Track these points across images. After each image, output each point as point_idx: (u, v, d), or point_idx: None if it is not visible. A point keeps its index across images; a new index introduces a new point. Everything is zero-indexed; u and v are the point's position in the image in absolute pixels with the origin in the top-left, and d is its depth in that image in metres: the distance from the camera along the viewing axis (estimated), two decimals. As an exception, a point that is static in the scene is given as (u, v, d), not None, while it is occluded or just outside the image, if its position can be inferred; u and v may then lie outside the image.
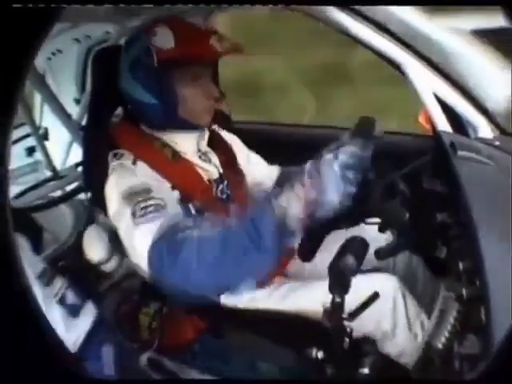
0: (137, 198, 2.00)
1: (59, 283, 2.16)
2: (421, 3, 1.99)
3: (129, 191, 2.02)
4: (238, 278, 1.87)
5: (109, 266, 2.61)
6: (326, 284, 1.69)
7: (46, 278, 2.13)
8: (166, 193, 2.10)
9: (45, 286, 2.11)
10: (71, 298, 2.17)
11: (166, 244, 1.86)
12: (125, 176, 2.10)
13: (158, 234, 1.91)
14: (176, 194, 2.17)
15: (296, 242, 1.89)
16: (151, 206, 1.98)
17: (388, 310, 2.10)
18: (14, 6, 1.16)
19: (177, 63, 2.12)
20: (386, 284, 2.09)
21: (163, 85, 2.15)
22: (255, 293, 2.28)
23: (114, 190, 2.09)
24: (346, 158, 1.62)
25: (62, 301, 2.13)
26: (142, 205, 1.98)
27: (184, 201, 2.18)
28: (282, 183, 2.30)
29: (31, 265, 2.12)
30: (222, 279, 1.86)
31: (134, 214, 1.98)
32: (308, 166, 1.68)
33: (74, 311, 2.15)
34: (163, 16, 2.26)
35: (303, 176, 1.67)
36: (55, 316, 2.09)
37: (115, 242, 2.37)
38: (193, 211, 2.20)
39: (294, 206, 1.66)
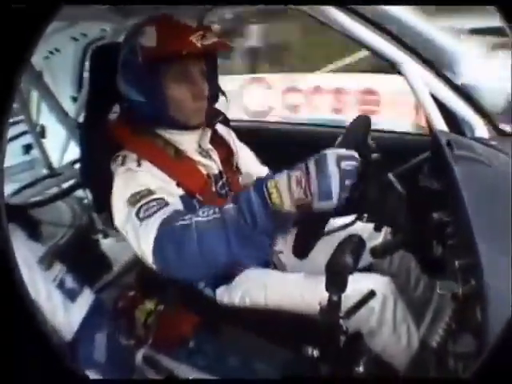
0: (140, 200, 2.02)
1: (58, 267, 2.18)
2: (416, 3, 2.00)
3: (132, 196, 2.05)
4: (244, 258, 1.99)
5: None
6: (321, 280, 1.69)
7: (47, 263, 2.15)
8: (168, 191, 2.12)
9: (45, 271, 2.13)
10: (70, 282, 2.19)
11: (167, 237, 1.91)
12: (129, 183, 2.11)
13: (159, 227, 1.93)
14: (180, 190, 2.20)
15: (289, 228, 1.93)
16: (153, 203, 2.01)
17: (377, 308, 2.09)
18: (12, 5, 1.16)
19: (163, 61, 2.13)
20: (378, 284, 2.08)
21: (151, 83, 2.16)
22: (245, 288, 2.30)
23: (119, 199, 2.11)
24: (349, 166, 1.67)
25: (61, 285, 2.15)
26: (145, 204, 2.01)
27: (187, 197, 2.21)
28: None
29: (31, 250, 2.14)
30: (226, 261, 1.89)
31: (138, 214, 2.00)
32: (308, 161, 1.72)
33: (71, 295, 2.17)
34: (155, 16, 2.26)
35: (303, 166, 1.71)
36: (55, 300, 2.12)
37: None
38: (197, 207, 2.20)
39: (293, 188, 1.70)
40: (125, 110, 2.36)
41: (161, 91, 2.17)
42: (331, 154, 1.67)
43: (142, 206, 2.00)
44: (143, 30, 2.16)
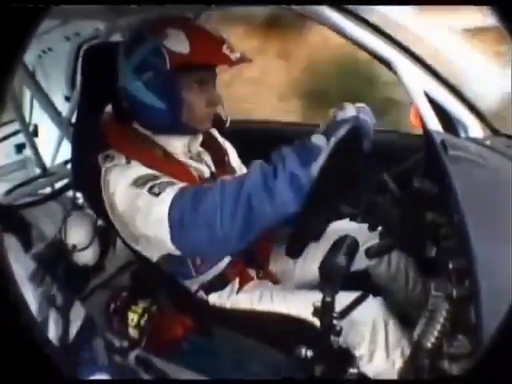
0: (148, 181, 1.96)
1: (49, 283, 2.16)
2: (409, 3, 1.99)
3: (138, 179, 1.98)
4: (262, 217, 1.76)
5: (84, 255, 2.64)
6: (314, 293, 1.69)
7: (38, 279, 2.13)
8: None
9: (36, 287, 2.11)
10: (60, 298, 2.17)
11: (187, 197, 1.85)
12: (125, 171, 2.06)
13: (179, 191, 1.88)
14: None
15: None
16: (164, 183, 1.95)
17: (367, 334, 2.09)
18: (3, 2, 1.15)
19: (187, 68, 2.09)
20: (368, 307, 2.07)
21: (172, 88, 2.12)
22: (239, 296, 2.31)
23: (119, 185, 2.03)
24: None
25: (52, 301, 2.13)
26: (157, 184, 1.93)
27: None
28: None
29: (23, 265, 2.13)
30: (239, 233, 1.77)
31: (151, 190, 1.92)
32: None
33: (63, 311, 2.16)
34: (173, 18, 2.22)
35: None
36: (46, 317, 2.10)
37: (99, 235, 2.41)
38: None
39: None
40: (118, 111, 2.32)
41: (180, 97, 2.14)
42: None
43: (153, 185, 1.93)
44: (166, 33, 2.09)
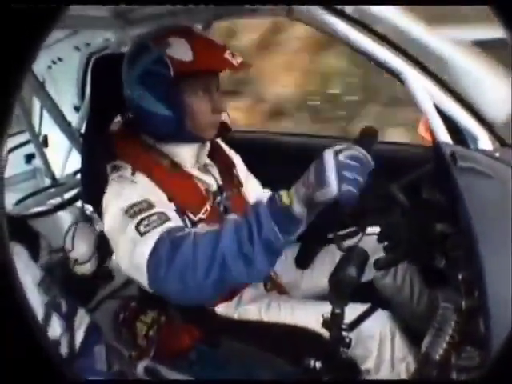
0: (140, 213, 1.95)
1: (56, 291, 2.17)
2: (408, 3, 1.99)
3: (131, 207, 1.98)
4: (237, 273, 1.75)
5: (83, 268, 2.65)
6: (321, 304, 1.69)
7: (45, 286, 2.13)
8: (167, 206, 2.07)
9: (44, 294, 2.12)
10: (65, 305, 2.17)
11: (164, 246, 1.84)
12: (124, 189, 2.07)
13: (159, 237, 1.87)
14: (172, 205, 2.14)
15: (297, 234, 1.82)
16: (154, 217, 1.94)
17: (374, 348, 2.11)
18: (13, 6, 1.15)
19: (191, 75, 2.10)
20: (376, 322, 2.08)
21: (176, 96, 2.12)
22: (249, 307, 2.33)
23: (113, 204, 2.05)
24: (346, 158, 1.59)
25: (57, 308, 2.14)
26: (146, 218, 1.94)
27: (179, 213, 2.14)
28: None
29: (31, 273, 2.14)
30: (218, 275, 1.76)
31: (137, 228, 1.92)
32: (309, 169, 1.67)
33: (68, 318, 2.16)
34: (174, 27, 2.23)
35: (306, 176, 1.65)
36: (52, 323, 2.10)
37: (101, 247, 2.43)
38: (188, 224, 2.16)
39: (298, 188, 1.66)
40: (127, 121, 2.35)
41: (185, 105, 2.14)
42: (328, 149, 1.62)
43: (142, 219, 1.93)
44: (168, 42, 2.10)
